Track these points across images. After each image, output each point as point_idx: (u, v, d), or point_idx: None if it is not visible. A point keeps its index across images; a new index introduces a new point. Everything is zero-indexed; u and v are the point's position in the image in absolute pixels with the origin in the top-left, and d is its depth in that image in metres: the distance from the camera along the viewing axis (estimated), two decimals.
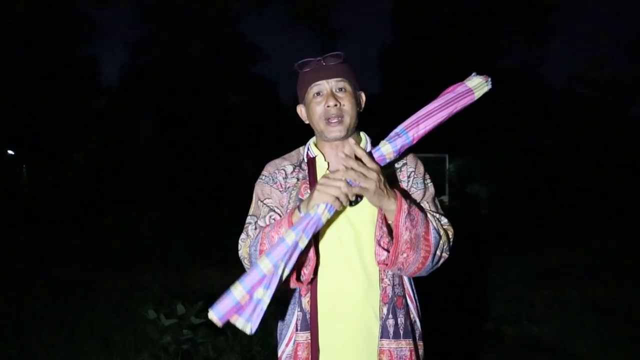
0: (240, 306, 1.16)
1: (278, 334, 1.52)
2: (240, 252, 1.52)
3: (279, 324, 1.52)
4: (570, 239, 7.72)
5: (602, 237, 7.81)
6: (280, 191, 1.51)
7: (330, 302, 1.43)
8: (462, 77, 1.44)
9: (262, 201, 1.53)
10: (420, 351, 1.51)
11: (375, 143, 1.59)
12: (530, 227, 9.08)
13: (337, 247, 1.43)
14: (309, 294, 1.43)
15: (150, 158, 17.24)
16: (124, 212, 10.66)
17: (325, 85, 1.45)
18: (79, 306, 4.73)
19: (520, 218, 10.68)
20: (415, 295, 1.53)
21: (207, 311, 1.17)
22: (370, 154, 1.31)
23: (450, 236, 1.51)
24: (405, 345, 1.42)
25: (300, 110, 1.57)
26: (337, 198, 1.23)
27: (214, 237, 7.49)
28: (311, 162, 1.53)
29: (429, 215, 1.44)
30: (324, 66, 1.45)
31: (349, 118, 1.45)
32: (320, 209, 1.24)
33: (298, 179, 1.51)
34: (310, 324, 1.41)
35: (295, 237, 1.21)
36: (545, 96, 17.90)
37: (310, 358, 1.40)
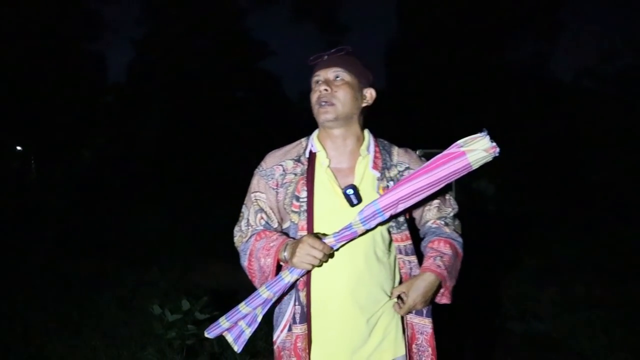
0: (229, 329, 1.52)
1: (274, 321, 1.57)
2: (235, 240, 1.62)
3: (275, 311, 1.57)
4: (578, 235, 7.67)
5: (610, 233, 7.74)
6: (273, 189, 1.54)
7: (324, 295, 1.48)
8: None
9: (254, 193, 1.58)
10: (430, 329, 1.59)
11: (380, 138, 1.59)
12: (538, 223, 9.03)
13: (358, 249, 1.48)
14: (305, 288, 1.46)
15: (157, 153, 17.30)
16: (131, 207, 10.71)
17: (323, 73, 1.51)
18: (85, 301, 4.76)
19: (527, 214, 10.60)
20: None
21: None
22: (342, 232, 1.36)
23: (457, 222, 1.69)
24: (424, 322, 1.54)
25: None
26: (313, 265, 1.36)
27: (219, 232, 7.49)
28: (312, 157, 1.53)
29: (448, 240, 1.58)
30: (326, 58, 1.52)
31: (340, 104, 1.48)
32: (292, 278, 1.39)
33: (295, 175, 1.52)
34: (307, 317, 1.46)
35: (270, 295, 1.41)
36: (553, 91, 17.77)
37: (307, 349, 1.46)
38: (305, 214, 1.46)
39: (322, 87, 1.48)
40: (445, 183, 1.30)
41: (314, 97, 1.51)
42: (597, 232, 7.89)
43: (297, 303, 1.47)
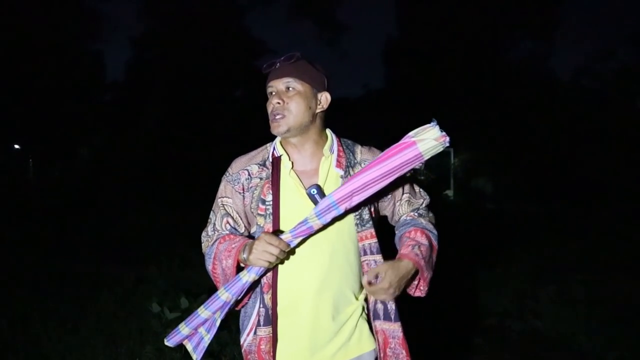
0: (188, 337, 1.50)
1: (240, 325, 1.57)
2: (202, 245, 1.64)
3: (241, 314, 1.58)
4: (575, 233, 7.69)
5: (608, 232, 7.77)
6: (240, 193, 1.56)
7: (290, 296, 1.49)
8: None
9: (220, 198, 1.61)
10: (402, 332, 1.59)
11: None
12: (536, 221, 9.05)
13: (301, 244, 1.46)
14: (270, 291, 1.47)
15: (156, 152, 17.28)
16: (130, 206, 10.70)
17: (276, 84, 1.51)
18: (84, 299, 4.76)
19: (525, 212, 10.63)
20: None
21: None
22: (298, 227, 1.35)
23: (431, 214, 1.70)
24: (398, 327, 1.51)
25: None
26: (271, 262, 1.35)
27: None
28: (276, 161, 1.55)
29: (424, 230, 1.57)
30: (278, 67, 1.51)
31: (292, 116, 1.49)
32: (250, 277, 1.38)
33: (261, 179, 1.54)
34: (272, 319, 1.47)
35: (228, 297, 1.40)
36: (551, 90, 17.78)
37: (271, 351, 1.47)
38: (271, 217, 1.48)
39: (275, 101, 1.49)
40: (399, 174, 1.29)
41: (268, 109, 1.53)
42: (596, 230, 7.91)
43: (262, 305, 1.48)
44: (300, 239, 1.37)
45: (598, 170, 14.11)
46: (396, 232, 1.66)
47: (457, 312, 4.34)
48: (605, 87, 19.35)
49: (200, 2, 20.48)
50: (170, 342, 1.50)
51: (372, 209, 1.58)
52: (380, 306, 1.51)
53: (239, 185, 1.56)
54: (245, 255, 1.40)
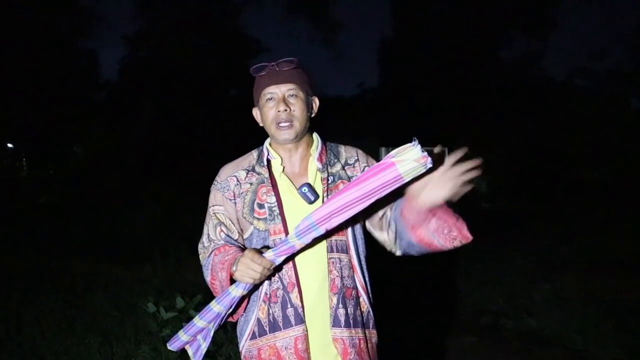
0: (189, 343, 1.56)
1: (239, 330, 1.59)
2: (200, 257, 1.64)
3: (241, 320, 1.58)
4: (569, 232, 7.71)
5: (601, 231, 7.80)
6: (230, 200, 1.58)
7: (310, 291, 1.49)
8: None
9: (212, 207, 1.63)
10: (374, 339, 1.58)
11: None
12: (530, 220, 9.08)
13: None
14: (295, 289, 1.47)
15: (150, 151, 17.24)
16: (124, 205, 10.66)
17: (277, 90, 1.51)
18: (80, 299, 4.74)
19: (519, 211, 10.68)
20: (369, 286, 1.59)
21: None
22: (280, 246, 1.36)
23: None
24: (355, 334, 1.48)
25: (256, 113, 1.63)
26: (255, 279, 1.35)
27: None
28: (268, 164, 1.58)
29: None
30: (277, 72, 1.51)
31: (298, 123, 1.52)
32: (238, 292, 1.40)
33: (251, 184, 1.56)
34: (303, 317, 1.47)
35: (221, 309, 1.44)
36: (545, 89, 17.85)
37: (308, 349, 1.46)
38: (279, 218, 1.49)
39: (282, 108, 1.49)
40: (378, 196, 1.26)
41: (269, 115, 1.53)
42: (589, 229, 7.94)
43: (290, 305, 1.47)
44: (284, 257, 1.38)
45: (592, 170, 14.19)
46: (391, 237, 1.55)
47: (452, 311, 4.36)
48: (599, 87, 19.45)
49: (194, 0, 20.43)
50: (172, 346, 1.57)
51: (363, 222, 1.59)
52: (341, 311, 1.48)
53: (229, 192, 1.58)
54: (234, 269, 1.41)
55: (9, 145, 18.34)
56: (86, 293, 4.93)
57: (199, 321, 1.48)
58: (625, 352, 3.52)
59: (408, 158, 1.19)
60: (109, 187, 14.10)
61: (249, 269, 1.34)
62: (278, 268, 1.46)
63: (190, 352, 1.57)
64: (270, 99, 1.53)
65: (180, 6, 20.20)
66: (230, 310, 1.48)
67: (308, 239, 1.33)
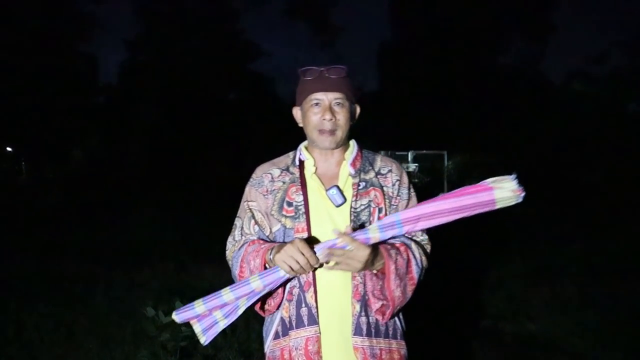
0: (199, 316, 1.40)
1: (264, 332, 1.58)
2: (227, 254, 1.63)
3: (266, 321, 1.58)
4: (569, 236, 7.71)
5: (600, 234, 7.80)
6: (264, 195, 1.59)
7: (326, 293, 1.48)
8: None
9: (246, 202, 1.63)
10: (402, 351, 1.54)
11: (359, 141, 1.62)
12: (529, 224, 9.07)
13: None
14: (311, 288, 1.46)
15: (149, 155, 17.23)
16: (123, 209, 10.65)
17: (325, 97, 1.52)
18: (78, 303, 4.73)
19: (518, 215, 10.66)
20: None
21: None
22: (357, 235, 1.33)
23: (428, 250, 1.58)
24: (377, 344, 1.46)
25: (296, 112, 1.64)
26: (293, 269, 1.32)
27: (212, 233, 7.47)
28: (301, 165, 1.60)
29: (409, 249, 1.49)
30: (325, 78, 1.51)
31: (341, 132, 1.53)
32: (281, 273, 1.34)
33: (284, 182, 1.58)
34: (317, 318, 1.46)
35: (259, 285, 1.35)
36: (544, 93, 17.89)
37: (319, 351, 1.44)
38: (304, 217, 1.50)
39: (327, 117, 1.50)
40: (466, 214, 1.30)
41: (313, 120, 1.54)
42: (588, 233, 7.94)
43: (304, 305, 1.46)
44: (330, 259, 1.35)
45: (592, 173, 14.19)
46: None
47: (451, 315, 4.35)
48: (597, 91, 19.50)
49: (194, 4, 20.46)
50: (178, 316, 1.42)
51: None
52: (363, 319, 1.46)
53: (262, 187, 1.60)
54: (271, 256, 1.40)
55: (8, 148, 18.32)
56: (85, 297, 4.92)
57: (227, 294, 1.37)
58: (625, 356, 3.52)
59: (506, 187, 1.27)
60: (108, 190, 14.09)
61: (291, 257, 1.31)
62: None
63: (197, 328, 1.42)
64: (317, 104, 1.53)
65: (180, 10, 20.21)
66: (273, 289, 1.40)
67: (388, 234, 1.33)
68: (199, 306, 1.39)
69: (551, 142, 15.67)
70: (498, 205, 1.28)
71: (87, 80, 20.05)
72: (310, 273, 1.45)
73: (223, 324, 1.41)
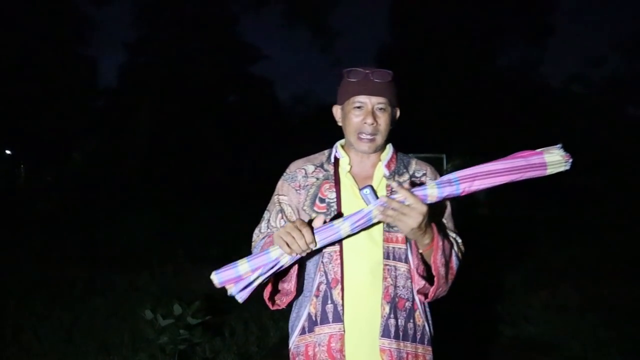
0: (240, 278, 1.31)
1: (290, 328, 1.57)
2: (252, 245, 1.62)
3: (291, 316, 1.57)
4: (568, 239, 7.73)
5: (599, 237, 7.81)
6: (296, 190, 1.58)
7: (354, 290, 1.47)
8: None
9: (277, 195, 1.63)
10: (428, 356, 1.54)
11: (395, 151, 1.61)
12: (528, 227, 9.09)
13: (349, 241, 1.46)
14: (339, 286, 1.45)
15: (148, 158, 17.23)
16: (122, 212, 10.65)
17: (368, 101, 1.50)
18: (77, 306, 4.72)
19: (517, 219, 10.68)
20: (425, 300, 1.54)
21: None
22: (416, 190, 1.31)
23: (463, 250, 1.61)
24: (404, 347, 1.45)
25: (337, 111, 1.63)
26: (288, 245, 1.26)
27: (211, 237, 7.48)
28: (336, 162, 1.60)
29: (452, 241, 1.51)
30: (370, 81, 1.49)
31: (380, 137, 1.52)
32: (272, 255, 1.31)
33: (317, 179, 1.58)
34: (342, 315, 1.44)
35: (277, 254, 1.30)
36: (542, 96, 17.93)
37: (343, 349, 1.43)
38: (335, 214, 1.49)
39: (369, 121, 1.49)
40: (519, 175, 1.31)
41: (354, 122, 1.52)
42: (588, 236, 7.95)
43: (330, 302, 1.45)
44: (357, 227, 1.31)
45: (589, 177, 14.21)
46: None
47: (449, 318, 4.35)
48: (596, 94, 19.55)
49: (193, 8, 20.49)
50: (217, 276, 1.31)
51: None
52: (392, 321, 1.45)
53: (295, 182, 1.60)
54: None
55: (7, 151, 18.31)
56: (83, 300, 4.91)
57: (275, 250, 1.31)
58: (624, 359, 3.52)
59: (555, 152, 1.32)
60: (107, 193, 14.08)
61: (287, 233, 1.26)
62: (325, 262, 1.45)
63: (234, 290, 1.31)
64: (359, 107, 1.52)
65: (180, 14, 20.25)
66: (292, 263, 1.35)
67: (445, 192, 1.31)
68: (243, 265, 1.31)
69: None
70: (549, 170, 1.31)
71: (86, 83, 20.05)
72: (339, 270, 1.45)
73: (258, 281, 1.32)
